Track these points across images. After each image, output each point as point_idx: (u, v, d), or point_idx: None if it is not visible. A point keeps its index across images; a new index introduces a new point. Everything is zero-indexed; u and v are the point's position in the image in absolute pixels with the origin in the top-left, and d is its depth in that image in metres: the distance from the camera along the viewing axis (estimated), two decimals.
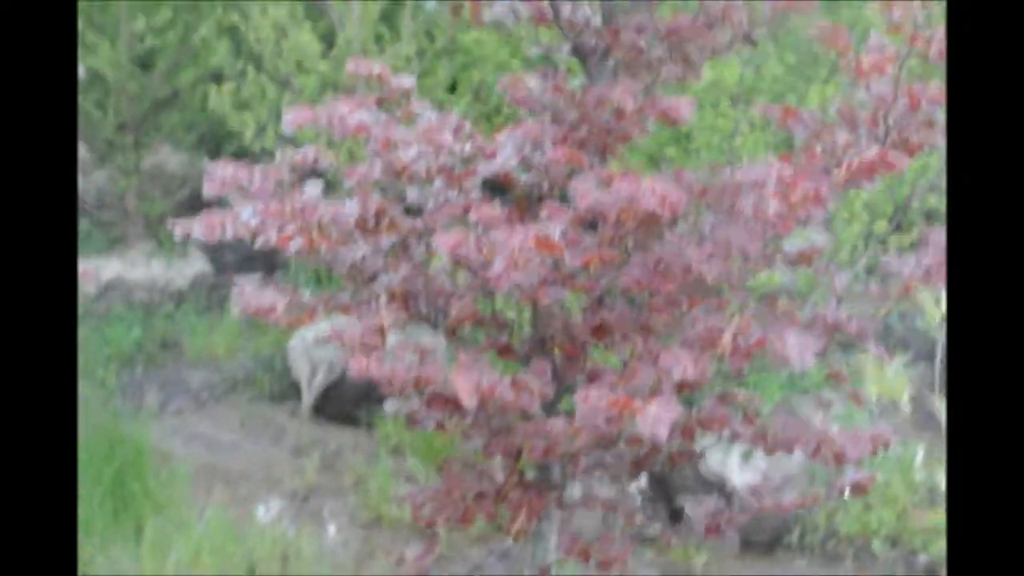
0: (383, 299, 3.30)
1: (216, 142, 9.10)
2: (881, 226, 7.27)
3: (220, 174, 3.26)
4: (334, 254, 3.35)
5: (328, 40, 8.07)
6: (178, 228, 3.34)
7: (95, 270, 8.42)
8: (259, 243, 3.28)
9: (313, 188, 3.31)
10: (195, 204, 8.92)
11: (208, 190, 3.26)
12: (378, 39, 7.98)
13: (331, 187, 3.65)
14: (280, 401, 7.49)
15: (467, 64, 8.15)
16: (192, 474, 6.20)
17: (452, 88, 8.24)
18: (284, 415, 7.38)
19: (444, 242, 2.87)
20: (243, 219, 3.26)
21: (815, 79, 7.36)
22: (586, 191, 2.85)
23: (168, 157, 9.37)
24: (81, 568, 5.24)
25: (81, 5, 8.52)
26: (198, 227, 3.31)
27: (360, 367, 3.00)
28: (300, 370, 7.31)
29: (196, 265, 8.78)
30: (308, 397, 7.26)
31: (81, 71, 5.87)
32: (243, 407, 7.47)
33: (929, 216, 7.51)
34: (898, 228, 7.41)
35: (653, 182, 2.79)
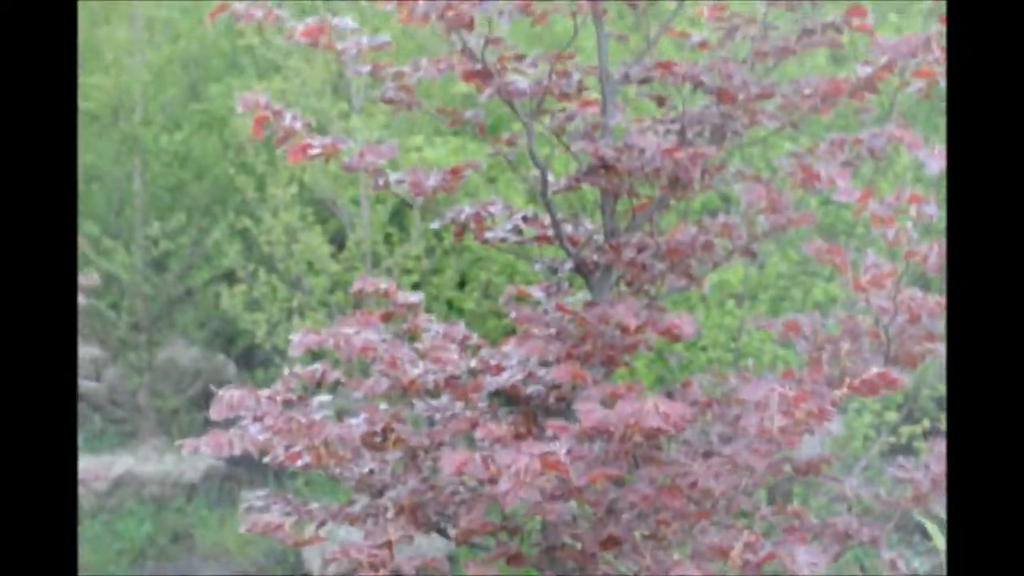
0: (390, 512, 3.24)
1: (228, 337, 9.14)
2: (891, 416, 7.21)
3: (227, 399, 3.22)
4: (343, 469, 3.31)
5: (338, 241, 8.16)
6: (186, 447, 3.29)
7: (107, 467, 8.36)
8: (267, 459, 3.24)
9: (321, 407, 3.28)
10: (206, 399, 8.93)
11: (215, 414, 3.22)
12: (387, 239, 8.06)
13: (341, 396, 3.63)
14: None
15: (474, 262, 8.20)
16: None
17: (461, 284, 8.27)
18: None
19: (450, 462, 2.82)
20: (251, 436, 3.22)
21: (820, 275, 7.38)
22: (590, 411, 2.81)
23: (181, 352, 9.39)
24: None
25: (97, 211, 8.65)
26: (206, 445, 3.26)
27: None
28: (313, 565, 7.16)
29: (208, 458, 8.69)
30: None
31: (95, 276, 5.90)
32: None
33: (941, 404, 7.45)
34: (909, 417, 7.34)
35: (657, 401, 2.75)
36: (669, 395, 3.23)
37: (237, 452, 3.24)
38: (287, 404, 3.25)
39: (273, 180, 8.08)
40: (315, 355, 3.51)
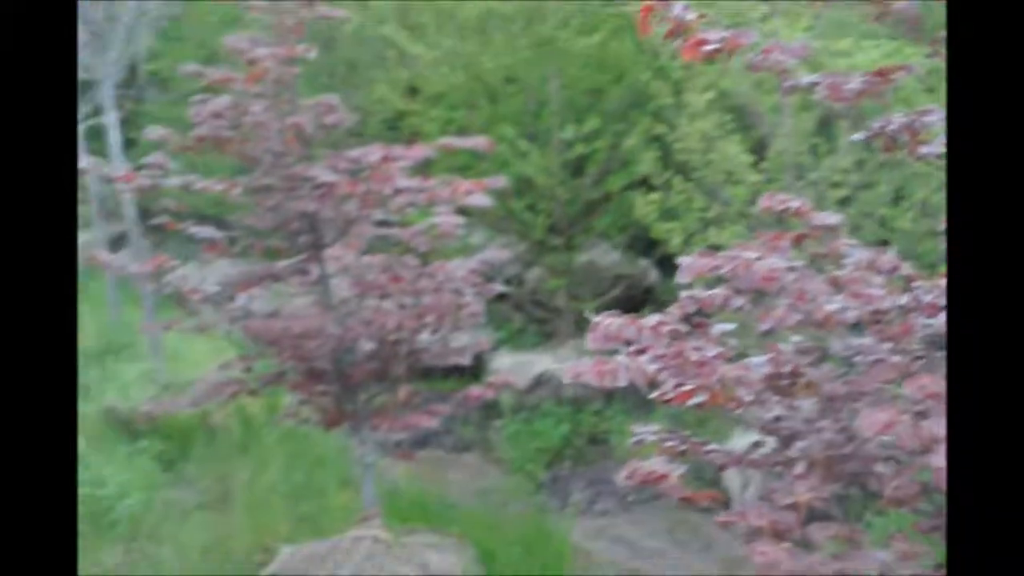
0: (800, 467, 2.59)
1: (649, 242, 8.59)
2: None
3: (604, 328, 2.65)
4: (743, 411, 2.69)
5: (759, 150, 7.37)
6: (568, 373, 2.79)
7: (526, 366, 8.11)
8: (654, 395, 2.67)
9: (721, 338, 2.67)
10: (626, 301, 8.57)
11: (592, 343, 2.67)
12: (812, 149, 7.18)
13: (743, 331, 2.98)
14: (709, 511, 6.77)
15: (911, 176, 7.18)
16: None
17: (897, 200, 7.23)
18: (713, 526, 6.49)
19: (870, 421, 2.15)
20: (638, 367, 2.65)
21: None
22: None
23: (601, 256, 8.99)
24: None
25: (513, 113, 8.30)
26: (588, 372, 2.74)
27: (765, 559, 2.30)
28: (732, 482, 6.57)
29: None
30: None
31: (502, 179, 5.51)
32: (671, 513, 6.78)
33: None
34: None
35: None
36: None
37: (622, 383, 2.72)
38: (673, 336, 2.64)
39: (690, 86, 7.42)
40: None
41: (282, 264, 5.51)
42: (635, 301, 8.17)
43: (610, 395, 7.98)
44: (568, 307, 8.55)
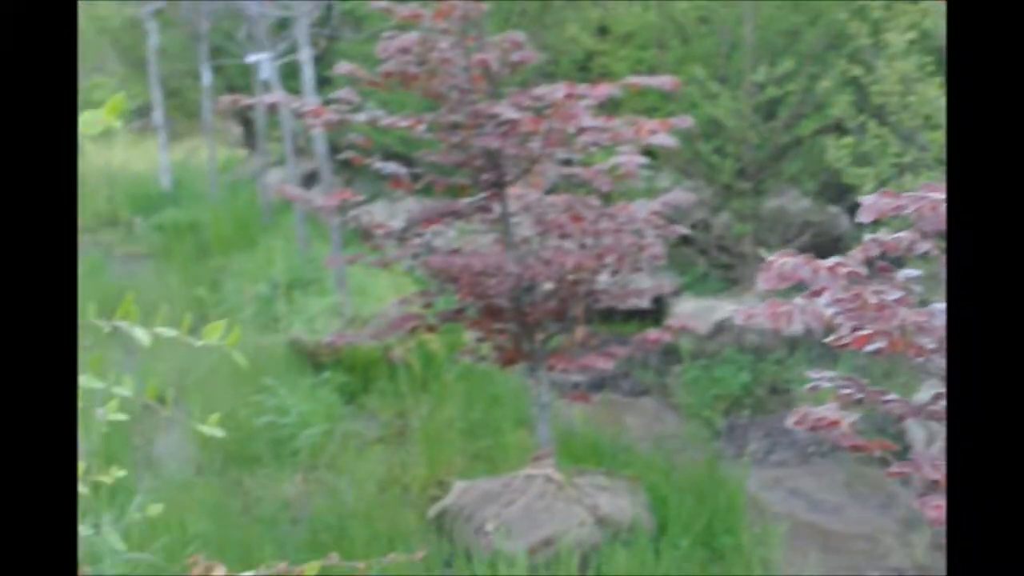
0: None
1: (841, 189, 8.33)
2: None
3: (778, 267, 2.55)
4: (925, 360, 2.56)
5: None
6: (740, 315, 2.70)
7: (708, 311, 7.97)
8: (830, 339, 2.57)
9: (906, 283, 2.53)
10: (814, 249, 8.31)
11: (764, 283, 2.57)
12: None
13: (930, 278, 2.83)
14: (890, 465, 6.53)
15: None
16: (788, 533, 5.46)
17: None
18: (894, 482, 6.32)
19: None
20: (815, 310, 2.55)
21: None
22: None
23: (790, 202, 8.75)
24: None
25: (704, 54, 8.12)
26: (761, 314, 2.65)
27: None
28: (915, 436, 6.34)
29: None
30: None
31: (689, 119, 5.39)
32: (850, 467, 6.60)
33: None
34: None
35: None
36: None
37: (797, 326, 2.62)
38: (852, 278, 2.52)
39: (890, 26, 7.11)
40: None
41: (464, 201, 5.53)
42: (824, 249, 7.91)
43: (793, 344, 7.79)
44: (754, 253, 8.37)
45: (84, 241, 14.09)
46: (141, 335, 2.03)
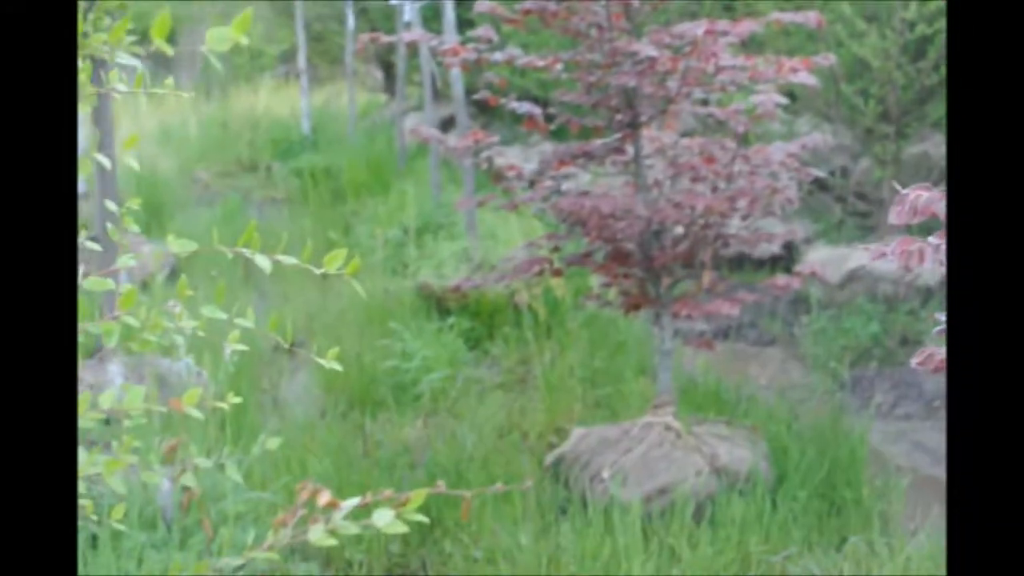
0: None
1: None
2: None
3: (911, 201, 2.38)
4: None
5: None
6: (872, 252, 2.54)
7: (842, 259, 7.71)
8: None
9: None
10: None
11: (896, 217, 2.40)
12: None
13: None
14: None
15: None
16: (911, 488, 5.27)
17: None
18: None
19: None
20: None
21: None
22: None
23: (934, 147, 8.41)
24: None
25: None
26: (892, 252, 2.48)
27: None
28: None
29: None
30: None
31: (831, 56, 5.18)
32: None
33: None
34: None
35: None
36: None
37: (928, 264, 2.44)
38: None
39: None
40: None
41: (598, 143, 5.42)
42: None
43: (927, 294, 7.50)
44: (893, 200, 8.07)
45: (223, 186, 14.37)
46: (262, 262, 2.00)
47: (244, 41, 1.68)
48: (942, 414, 6.41)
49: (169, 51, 1.68)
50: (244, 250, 1.97)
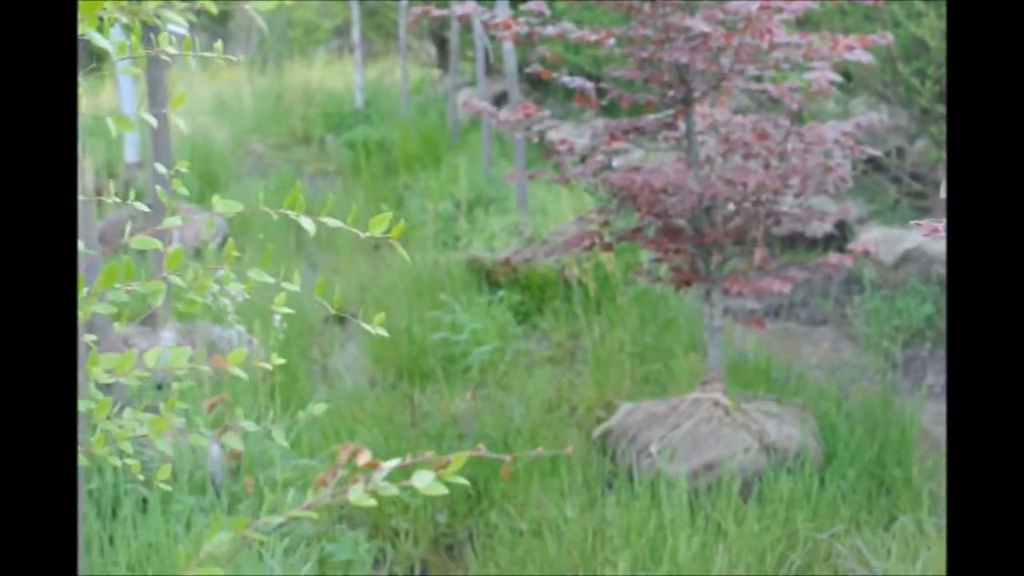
0: None
1: None
2: None
3: None
4: None
5: None
6: (924, 229, 2.51)
7: (896, 240, 7.62)
8: None
9: None
10: None
11: (945, 193, 2.36)
12: None
13: None
14: None
15: None
16: None
17: None
18: None
19: None
20: None
21: None
22: None
23: None
24: None
25: None
26: (944, 229, 2.45)
27: None
28: None
29: None
30: None
31: (889, 35, 5.11)
32: None
33: None
34: None
35: None
36: None
37: None
38: None
39: None
40: None
41: (651, 118, 5.39)
42: None
43: None
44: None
45: (277, 159, 14.45)
46: (307, 223, 2.00)
47: (289, 2, 1.68)
48: None
49: (214, 9, 1.68)
50: (289, 212, 1.97)
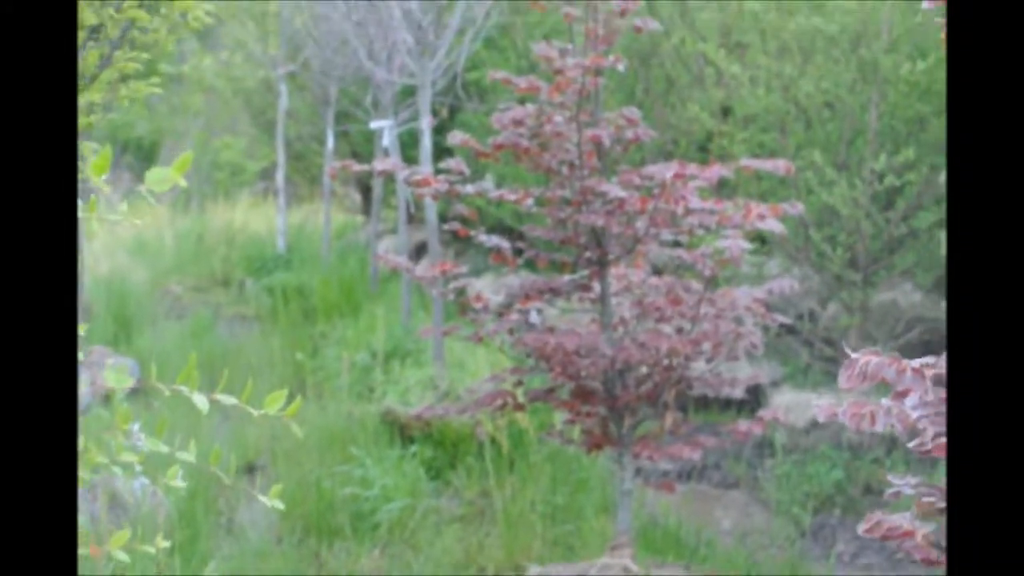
0: None
1: None
2: None
3: (860, 365, 2.38)
4: None
5: None
6: (822, 412, 2.54)
7: (808, 403, 7.68)
8: (913, 444, 2.38)
9: None
10: (923, 347, 8.05)
11: (845, 382, 2.40)
12: None
13: None
14: None
15: None
16: None
17: None
18: None
19: None
20: (900, 412, 2.37)
21: None
22: None
23: (902, 296, 8.45)
24: None
25: (826, 140, 7.92)
26: (843, 413, 2.48)
27: None
28: None
29: None
30: None
31: (799, 206, 5.23)
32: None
33: None
34: None
35: None
36: None
37: (879, 427, 2.44)
38: (939, 380, 2.34)
39: None
40: None
41: (565, 279, 5.44)
42: (934, 346, 7.62)
43: (893, 443, 7.46)
44: (860, 347, 8.05)
45: (195, 301, 14.32)
46: (200, 401, 1.97)
47: (183, 183, 1.68)
48: (905, 566, 6.32)
49: (106, 189, 1.68)
50: (183, 388, 1.94)
